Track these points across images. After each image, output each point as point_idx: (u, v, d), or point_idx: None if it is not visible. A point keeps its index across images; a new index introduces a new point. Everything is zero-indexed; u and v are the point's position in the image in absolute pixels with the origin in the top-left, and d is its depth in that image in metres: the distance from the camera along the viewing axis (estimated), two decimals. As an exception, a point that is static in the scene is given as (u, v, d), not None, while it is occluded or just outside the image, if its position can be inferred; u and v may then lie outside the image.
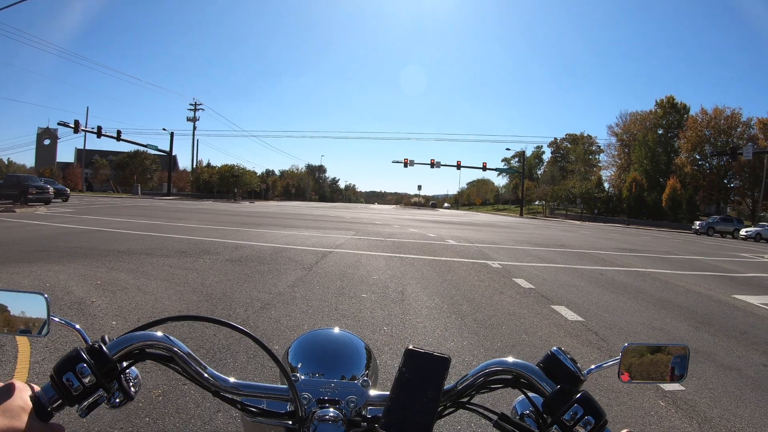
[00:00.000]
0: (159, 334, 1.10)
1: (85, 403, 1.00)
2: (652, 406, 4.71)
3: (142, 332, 1.09)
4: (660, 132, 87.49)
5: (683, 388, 5.22)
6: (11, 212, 26.35)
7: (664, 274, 14.47)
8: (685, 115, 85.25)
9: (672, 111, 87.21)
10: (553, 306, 8.89)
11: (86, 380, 0.97)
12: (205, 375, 1.12)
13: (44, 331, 1.10)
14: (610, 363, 1.13)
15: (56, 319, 1.10)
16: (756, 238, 47.50)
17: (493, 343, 6.43)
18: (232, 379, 1.13)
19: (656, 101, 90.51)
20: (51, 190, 41.25)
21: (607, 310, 8.91)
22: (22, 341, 5.60)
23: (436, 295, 9.30)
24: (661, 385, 5.19)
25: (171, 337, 1.11)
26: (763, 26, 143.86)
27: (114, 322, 6.57)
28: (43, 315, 1.09)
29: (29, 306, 1.10)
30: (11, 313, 1.10)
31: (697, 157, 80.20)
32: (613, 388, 5.07)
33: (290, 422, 1.11)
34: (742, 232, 49.46)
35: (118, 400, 1.05)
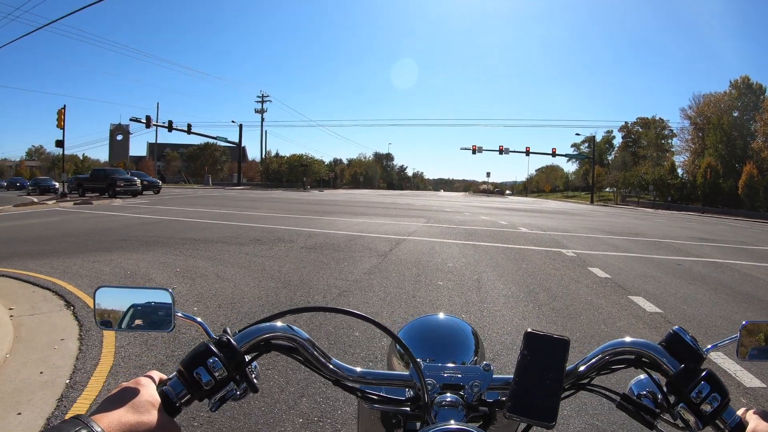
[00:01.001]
0: (284, 325, 1.11)
1: (216, 397, 1.01)
2: (733, 403, 4.63)
3: (266, 324, 1.11)
4: (735, 114, 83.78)
5: (765, 386, 5.12)
6: (88, 204, 27.29)
7: (743, 265, 14.06)
8: (762, 97, 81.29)
9: (748, 92, 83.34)
10: (630, 296, 8.80)
11: (217, 374, 0.98)
12: (330, 366, 1.13)
13: (170, 326, 1.13)
14: (728, 341, 1.12)
15: (179, 314, 1.12)
16: None
17: (572, 333, 6.42)
18: (359, 369, 1.14)
19: (731, 82, 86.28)
20: (139, 182, 42.02)
21: (685, 301, 8.76)
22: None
23: (512, 284, 9.33)
24: (742, 382, 5.12)
25: (294, 327, 1.12)
26: None
27: (195, 308, 6.84)
28: (169, 310, 1.12)
29: (154, 301, 1.13)
30: (138, 309, 1.13)
31: (775, 140, 76.91)
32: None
33: (409, 408, 1.14)
34: None
35: (239, 393, 1.04)
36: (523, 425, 1.09)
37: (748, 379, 5.22)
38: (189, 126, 66.11)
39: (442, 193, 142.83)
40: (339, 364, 1.15)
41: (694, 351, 1.05)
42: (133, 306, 1.13)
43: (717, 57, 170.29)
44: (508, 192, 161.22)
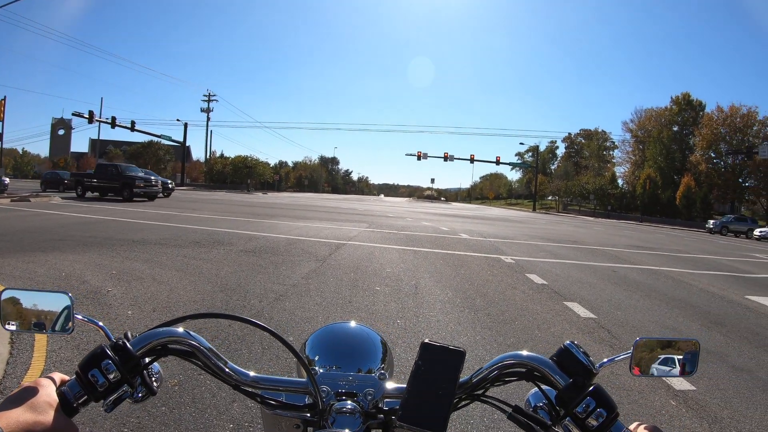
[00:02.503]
0: (180, 330, 1.13)
1: (110, 399, 1.02)
2: (663, 405, 4.74)
3: (164, 329, 1.12)
4: (675, 129, 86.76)
5: (694, 388, 5.24)
6: (26, 201, 26.51)
7: (677, 272, 14.43)
8: (701, 113, 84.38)
9: (687, 108, 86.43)
10: (565, 302, 8.92)
11: (111, 376, 1.00)
12: (227, 370, 1.14)
13: (69, 329, 1.14)
14: (621, 356, 1.15)
15: (79, 317, 1.13)
16: None
17: (506, 338, 6.47)
18: (252, 374, 1.16)
19: (672, 98, 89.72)
20: (158, 182, 37.48)
21: (619, 307, 8.92)
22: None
23: (450, 289, 9.35)
24: (672, 384, 5.25)
25: (192, 333, 1.13)
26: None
27: (130, 312, 6.65)
28: (68, 313, 1.14)
29: (53, 304, 1.14)
30: (36, 312, 1.14)
31: (713, 155, 79.37)
32: (625, 386, 5.10)
33: (308, 415, 1.14)
34: (756, 232, 48.80)
35: (140, 395, 1.08)
36: None
37: (677, 382, 5.32)
38: (133, 123, 65.04)
39: (386, 198, 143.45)
40: (235, 369, 1.15)
41: (583, 366, 1.07)
42: (36, 308, 1.15)
43: (659, 74, 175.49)
44: (442, 198, 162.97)
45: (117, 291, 7.69)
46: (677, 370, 1.18)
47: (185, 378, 4.46)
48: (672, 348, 1.18)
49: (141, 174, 36.75)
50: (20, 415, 0.87)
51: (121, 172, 35.78)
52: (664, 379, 5.35)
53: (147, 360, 1.10)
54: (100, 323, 1.11)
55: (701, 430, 4.33)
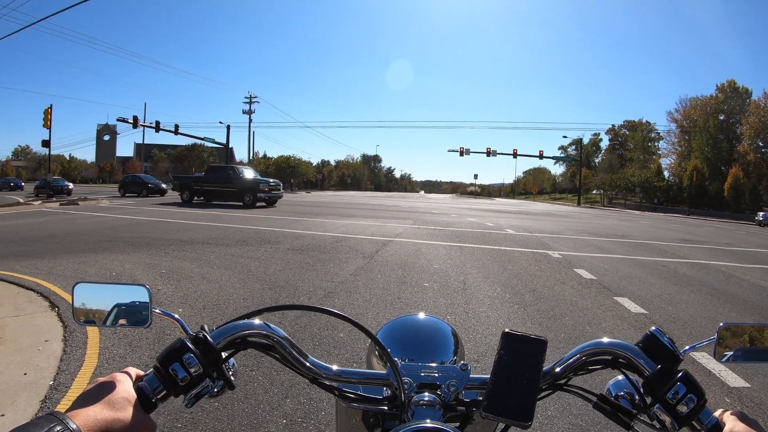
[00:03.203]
0: (261, 322, 1.11)
1: (191, 393, 1.00)
2: (717, 403, 4.68)
3: (243, 321, 1.10)
4: (721, 118, 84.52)
5: (749, 385, 5.16)
6: (74, 204, 27.03)
7: (728, 266, 14.17)
8: (748, 100, 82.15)
9: (733, 96, 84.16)
10: (615, 297, 8.85)
11: (193, 370, 0.98)
12: (307, 364, 1.13)
13: (147, 323, 1.14)
14: (705, 342, 1.13)
15: (157, 311, 1.13)
16: None
17: (557, 334, 6.47)
18: (335, 367, 1.15)
19: (717, 86, 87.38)
20: (281, 187, 34.53)
21: (670, 302, 8.82)
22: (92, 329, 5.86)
23: (498, 285, 9.35)
24: (727, 381, 5.17)
25: (271, 325, 1.12)
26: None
27: (181, 310, 6.81)
28: (146, 306, 1.13)
29: (130, 297, 1.14)
30: (112, 305, 1.14)
31: (761, 144, 77.30)
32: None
33: (386, 407, 1.13)
34: None
35: (216, 390, 1.06)
36: (501, 425, 1.08)
37: (732, 378, 5.26)
38: (176, 126, 65.58)
39: (429, 195, 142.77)
40: (316, 362, 1.15)
41: (670, 352, 1.06)
42: (111, 302, 1.14)
43: (705, 61, 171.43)
44: (487, 193, 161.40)
45: (167, 289, 7.86)
46: (763, 356, 1.16)
47: (237, 373, 4.56)
48: (757, 333, 1.16)
49: (262, 178, 34.07)
50: (98, 412, 0.85)
51: (239, 174, 32.85)
52: (717, 374, 5.31)
53: (227, 353, 1.09)
54: (176, 316, 1.10)
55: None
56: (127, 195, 43.87)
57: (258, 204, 31.62)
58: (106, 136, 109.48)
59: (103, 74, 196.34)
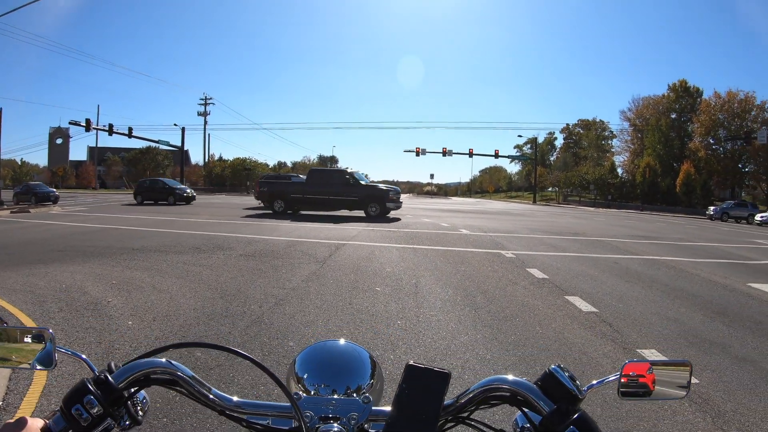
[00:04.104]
0: (162, 360, 1.14)
1: None
2: (666, 401, 4.69)
3: (145, 360, 1.13)
4: (673, 116, 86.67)
5: (697, 381, 5.17)
6: (26, 212, 26.42)
7: (679, 261, 14.40)
8: (699, 99, 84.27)
9: (685, 95, 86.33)
10: (567, 297, 8.89)
11: (94, 411, 1.00)
12: (210, 396, 1.15)
13: (52, 365, 1.15)
14: (611, 379, 1.14)
15: (62, 350, 1.15)
16: None
17: (507, 336, 6.44)
18: (235, 398, 1.16)
19: (669, 85, 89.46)
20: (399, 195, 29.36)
21: (621, 300, 8.89)
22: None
23: (450, 287, 9.34)
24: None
25: (173, 362, 1.14)
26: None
27: (130, 322, 6.63)
28: (50, 348, 1.14)
29: (36, 340, 1.15)
30: (17, 349, 1.15)
31: (711, 141, 79.34)
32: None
33: None
34: (758, 217, 48.39)
35: (127, 423, 1.09)
36: None
37: None
38: (130, 129, 64.81)
39: None
40: (218, 394, 1.16)
41: (567, 391, 1.06)
42: (15, 345, 1.16)
43: (657, 61, 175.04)
44: (443, 192, 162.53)
45: (117, 301, 7.67)
46: (669, 392, 1.17)
47: (170, 408, 4.43)
48: (662, 370, 1.17)
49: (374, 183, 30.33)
50: None
51: (358, 180, 28.65)
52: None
53: (131, 391, 1.11)
54: (83, 356, 1.13)
55: (704, 424, 4.28)
56: (145, 203, 38.85)
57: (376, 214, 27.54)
58: (58, 140, 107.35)
59: (55, 76, 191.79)
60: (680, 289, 10.24)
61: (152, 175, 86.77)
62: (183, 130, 77.24)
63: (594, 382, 1.12)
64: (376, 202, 27.23)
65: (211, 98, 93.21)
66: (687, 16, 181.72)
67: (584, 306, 8.25)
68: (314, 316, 7.17)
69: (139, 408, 1.13)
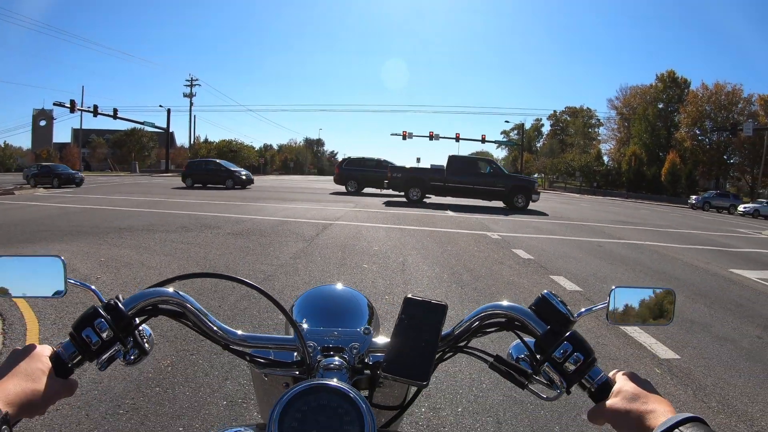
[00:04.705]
0: (170, 290, 1.14)
1: (104, 357, 1.03)
2: (648, 373, 4.80)
3: (154, 289, 1.14)
4: (660, 106, 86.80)
5: (678, 357, 5.35)
6: (10, 194, 26.17)
7: (662, 246, 14.53)
8: (686, 90, 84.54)
9: (673, 85, 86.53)
10: (552, 276, 9.00)
11: (104, 335, 1.01)
12: (215, 328, 1.15)
13: (62, 292, 1.16)
14: (599, 306, 1.16)
15: (72, 281, 1.16)
16: (754, 214, 46.97)
17: (493, 312, 6.51)
18: (239, 332, 1.16)
19: (657, 75, 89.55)
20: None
21: (604, 280, 9.01)
22: (26, 310, 5.73)
23: (437, 265, 9.41)
24: (657, 354, 5.34)
25: (181, 293, 1.14)
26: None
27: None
28: (61, 277, 1.16)
29: (47, 269, 1.17)
30: (29, 277, 1.17)
31: (697, 132, 79.80)
32: (610, 355, 5.20)
33: (297, 371, 1.15)
34: (740, 208, 48.68)
35: (132, 357, 1.10)
36: (413, 389, 1.16)
37: (662, 351, 5.45)
38: (115, 111, 64.04)
39: None
40: (223, 327, 1.16)
41: (560, 314, 1.08)
42: (26, 273, 1.17)
43: (645, 51, 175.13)
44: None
45: (106, 278, 7.69)
46: (652, 317, 1.20)
47: (178, 359, 4.50)
48: (647, 297, 1.20)
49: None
50: (15, 384, 0.88)
51: (502, 170, 28.42)
52: (648, 348, 5.47)
53: (138, 320, 1.11)
54: (93, 287, 1.13)
55: (686, 397, 4.42)
56: (196, 186, 36.07)
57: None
58: (42, 122, 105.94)
59: (38, 56, 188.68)
60: (663, 272, 10.39)
61: (137, 158, 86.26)
62: (168, 111, 76.66)
63: (583, 309, 1.13)
64: (523, 194, 26.55)
65: (197, 79, 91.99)
66: (677, 7, 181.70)
67: (569, 285, 8.37)
68: (303, 291, 7.15)
69: (145, 341, 1.13)
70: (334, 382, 0.95)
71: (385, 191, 29.97)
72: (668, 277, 9.87)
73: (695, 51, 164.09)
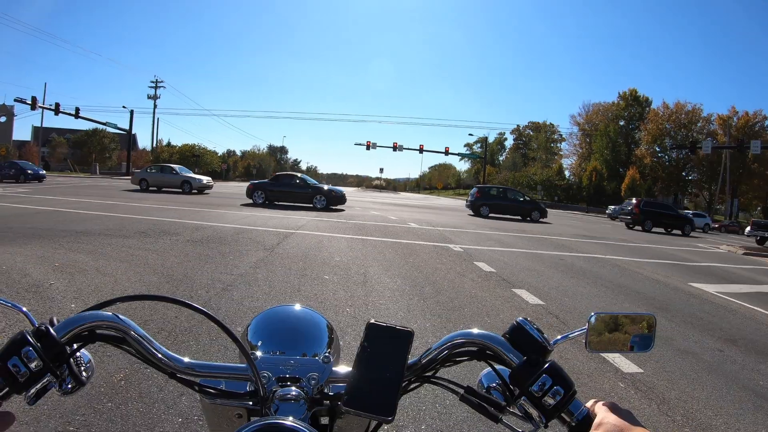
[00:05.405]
0: (109, 313, 1.05)
1: (33, 390, 0.94)
2: (612, 387, 4.82)
3: (90, 312, 1.04)
4: (621, 123, 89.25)
5: (642, 370, 5.36)
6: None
7: (622, 260, 14.71)
8: (647, 108, 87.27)
9: (634, 103, 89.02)
10: (514, 289, 8.97)
11: (33, 365, 0.92)
12: (159, 355, 1.07)
13: None
14: (576, 333, 1.11)
15: (1, 301, 1.04)
16: None
17: (455, 325, 6.47)
18: (186, 359, 1.09)
19: (619, 93, 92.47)
20: None
21: (566, 294, 9.03)
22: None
23: (399, 277, 9.32)
24: (620, 368, 5.35)
25: (121, 317, 1.06)
26: (727, 25, 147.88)
27: (73, 305, 6.44)
28: None
29: None
30: None
31: (657, 149, 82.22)
32: (575, 369, 5.16)
33: (251, 402, 1.09)
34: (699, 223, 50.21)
35: (70, 386, 1.01)
36: (374, 423, 1.10)
37: (626, 365, 5.46)
38: (77, 110, 62.90)
39: (335, 187, 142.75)
40: (168, 354, 1.08)
41: (536, 342, 1.03)
42: None
43: (608, 69, 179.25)
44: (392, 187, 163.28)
45: (60, 284, 7.44)
46: (629, 345, 1.15)
47: (131, 372, 4.32)
48: (627, 323, 1.15)
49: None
50: None
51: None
52: (611, 362, 5.47)
53: (74, 347, 1.01)
54: (24, 308, 1.02)
55: (650, 411, 4.41)
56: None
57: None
58: (2, 118, 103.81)
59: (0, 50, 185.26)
60: (624, 285, 10.47)
61: (98, 159, 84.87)
62: (132, 112, 75.76)
63: (560, 336, 1.08)
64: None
65: (162, 81, 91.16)
66: (639, 28, 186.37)
67: (531, 299, 8.35)
68: (262, 302, 7.07)
69: (83, 369, 1.04)
70: (289, 421, 0.90)
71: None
72: (629, 290, 9.93)
73: (658, 71, 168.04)
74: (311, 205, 29.58)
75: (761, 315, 9.25)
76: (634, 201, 38.36)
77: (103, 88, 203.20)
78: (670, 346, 6.45)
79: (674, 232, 35.34)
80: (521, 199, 36.54)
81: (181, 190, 35.81)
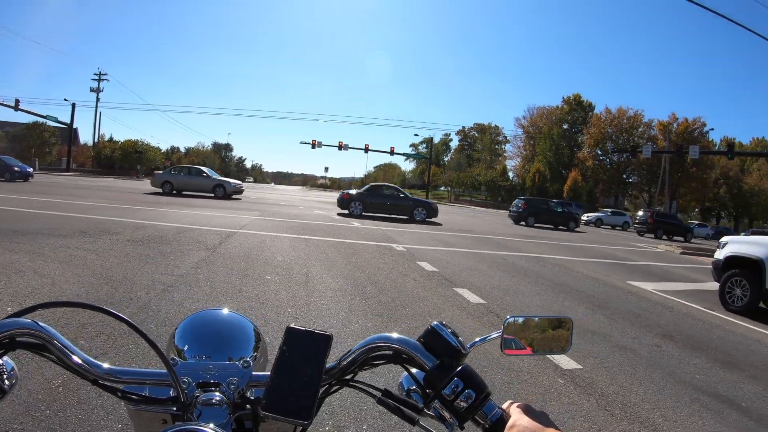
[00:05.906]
0: (29, 321, 1.02)
1: None
2: (551, 384, 4.88)
3: (9, 320, 1.01)
4: (565, 127, 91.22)
5: (581, 366, 5.46)
6: None
7: (563, 260, 14.96)
8: (590, 113, 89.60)
9: (578, 108, 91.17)
10: (456, 289, 9.02)
11: None
12: (80, 362, 1.05)
13: None
14: (493, 336, 1.13)
15: None
16: (596, 223, 54.01)
17: (397, 324, 6.52)
18: (106, 365, 1.07)
19: (563, 98, 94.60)
20: None
21: (507, 293, 9.13)
22: None
23: (341, 277, 9.29)
24: (560, 364, 5.44)
25: (41, 324, 1.03)
26: (671, 34, 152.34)
27: (9, 309, 6.22)
28: None
29: None
30: None
31: (599, 152, 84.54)
32: (514, 367, 5.20)
33: (174, 408, 1.07)
34: (584, 217, 52.88)
35: None
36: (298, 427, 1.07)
37: (565, 361, 5.55)
38: (17, 102, 61.38)
39: (278, 186, 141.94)
40: (88, 360, 1.06)
41: (450, 346, 1.05)
42: None
43: (552, 74, 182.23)
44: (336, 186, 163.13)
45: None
46: (550, 347, 1.19)
47: (69, 378, 4.19)
48: (544, 325, 1.18)
49: None
50: None
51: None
52: (551, 359, 5.53)
53: None
54: None
55: (589, 406, 4.48)
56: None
57: None
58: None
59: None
60: (564, 284, 10.63)
61: (37, 154, 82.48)
62: (73, 106, 74.05)
63: (477, 339, 1.11)
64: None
65: (105, 74, 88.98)
66: (584, 37, 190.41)
67: (473, 298, 8.41)
68: (203, 303, 6.95)
69: (5, 377, 1.02)
70: (210, 427, 0.90)
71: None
72: (570, 289, 10.10)
73: (602, 77, 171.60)
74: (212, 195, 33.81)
75: (697, 311, 9.54)
76: (640, 212, 41.54)
77: (46, 79, 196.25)
78: (608, 343, 6.57)
79: (675, 238, 36.89)
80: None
81: (213, 195, 34.92)
